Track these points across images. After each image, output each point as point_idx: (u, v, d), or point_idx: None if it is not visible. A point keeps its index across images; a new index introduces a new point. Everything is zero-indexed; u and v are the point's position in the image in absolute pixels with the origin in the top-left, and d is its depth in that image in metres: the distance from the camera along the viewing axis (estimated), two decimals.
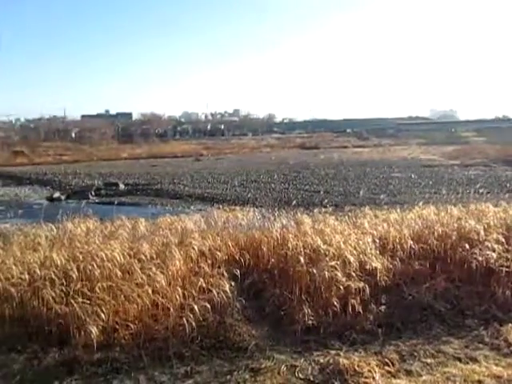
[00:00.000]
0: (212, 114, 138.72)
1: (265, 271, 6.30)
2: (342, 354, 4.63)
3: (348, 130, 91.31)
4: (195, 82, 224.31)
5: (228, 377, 4.32)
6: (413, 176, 27.57)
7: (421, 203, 9.34)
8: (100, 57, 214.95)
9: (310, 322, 5.12)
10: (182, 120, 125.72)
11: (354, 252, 6.02)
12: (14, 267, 5.54)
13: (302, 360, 4.59)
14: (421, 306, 5.74)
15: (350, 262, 5.78)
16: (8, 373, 4.47)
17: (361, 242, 6.35)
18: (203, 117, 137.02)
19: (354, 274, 5.65)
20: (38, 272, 5.40)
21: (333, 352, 4.70)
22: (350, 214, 8.65)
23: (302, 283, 5.62)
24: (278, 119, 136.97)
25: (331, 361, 4.49)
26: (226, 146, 69.61)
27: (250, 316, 5.42)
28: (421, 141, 63.61)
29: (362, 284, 5.55)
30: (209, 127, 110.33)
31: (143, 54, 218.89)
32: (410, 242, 6.65)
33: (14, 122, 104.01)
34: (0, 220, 20.66)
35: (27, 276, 5.37)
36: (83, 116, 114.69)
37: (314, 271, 5.54)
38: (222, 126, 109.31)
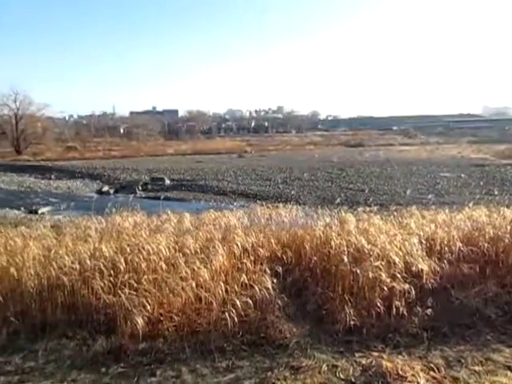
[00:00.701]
0: (256, 111, 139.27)
1: (307, 269, 6.27)
2: (384, 356, 4.54)
3: (394, 128, 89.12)
4: (240, 79, 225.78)
5: (268, 373, 4.33)
6: (462, 176, 26.55)
7: (471, 204, 8.98)
8: (149, 56, 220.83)
9: (353, 322, 5.04)
10: (227, 117, 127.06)
11: (400, 253, 5.87)
12: (66, 257, 5.80)
13: (344, 360, 4.53)
14: (469, 311, 5.52)
15: (394, 263, 5.64)
16: (59, 357, 4.69)
17: (406, 243, 6.18)
18: (247, 114, 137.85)
19: (398, 276, 5.51)
20: (88, 262, 5.63)
21: (375, 354, 4.61)
22: (395, 213, 8.44)
23: (345, 283, 5.54)
24: (322, 116, 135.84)
25: (373, 363, 4.40)
26: (270, 143, 69.69)
27: (291, 314, 5.41)
28: (472, 139, 61.14)
29: (407, 286, 5.40)
30: (252, 124, 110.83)
31: (190, 52, 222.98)
32: (459, 244, 6.41)
33: (67, 118, 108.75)
34: (54, 212, 21.73)
35: (78, 266, 5.61)
36: (131, 113, 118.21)
37: (358, 271, 5.44)
38: (266, 123, 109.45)
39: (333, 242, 6.14)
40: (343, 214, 8.07)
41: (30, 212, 23.50)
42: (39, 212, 23.24)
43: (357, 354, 4.64)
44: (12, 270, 5.63)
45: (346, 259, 5.68)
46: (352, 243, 6.10)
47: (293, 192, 22.25)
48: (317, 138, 78.54)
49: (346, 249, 5.92)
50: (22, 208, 24.65)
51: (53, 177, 38.65)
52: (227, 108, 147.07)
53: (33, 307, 5.33)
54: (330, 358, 4.57)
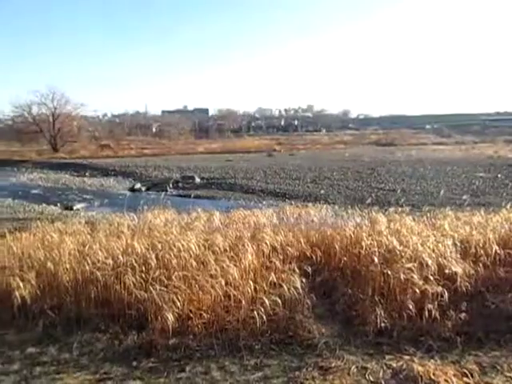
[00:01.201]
0: (286, 110, 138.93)
1: (336, 269, 6.22)
2: (416, 360, 4.44)
3: (427, 126, 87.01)
4: (270, 78, 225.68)
5: (297, 373, 4.32)
6: (499, 176, 25.68)
7: (508, 206, 8.69)
8: (180, 56, 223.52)
9: (383, 324, 4.96)
10: (257, 116, 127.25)
11: (433, 255, 5.75)
12: (99, 253, 5.95)
13: (374, 363, 4.46)
14: (506, 315, 5.34)
15: (427, 265, 5.52)
16: (93, 350, 4.82)
17: (440, 245, 6.04)
18: (277, 113, 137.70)
19: (431, 278, 5.38)
20: (121, 258, 5.76)
21: (406, 357, 4.52)
22: (428, 214, 8.26)
23: (376, 284, 5.46)
24: (353, 115, 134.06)
25: (404, 366, 4.32)
26: (299, 142, 69.35)
27: (320, 314, 5.38)
28: (509, 138, 59.00)
29: (440, 289, 5.28)
30: (282, 123, 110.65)
31: (220, 52, 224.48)
32: (496, 246, 6.21)
33: (101, 117, 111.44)
34: (88, 208, 22.30)
35: (111, 261, 5.74)
36: (163, 111, 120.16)
37: (389, 272, 5.36)
38: (296, 122, 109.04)
39: (363, 243, 6.07)
40: (374, 214, 7.96)
41: (66, 208, 24.23)
42: (74, 208, 23.93)
43: (387, 357, 4.57)
44: (49, 264, 5.82)
45: (376, 260, 5.60)
46: (383, 244, 6.01)
47: (322, 191, 22.08)
48: (347, 136, 77.61)
49: (376, 249, 5.84)
50: (58, 204, 25.44)
51: (87, 174, 39.69)
52: (257, 107, 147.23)
53: (68, 301, 5.49)
54: (360, 360, 4.52)
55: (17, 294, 5.30)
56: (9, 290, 5.51)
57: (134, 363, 4.52)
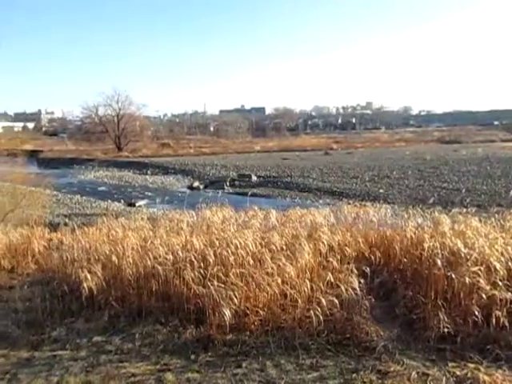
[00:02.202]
0: (343, 108, 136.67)
1: (396, 271, 6.03)
2: (482, 368, 4.21)
3: (496, 123, 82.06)
4: (326, 75, 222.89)
5: (354, 375, 4.24)
6: None
7: None
8: (238, 56, 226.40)
9: (446, 329, 4.74)
10: (313, 114, 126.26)
11: (501, 258, 5.41)
12: (160, 248, 6.15)
13: (436, 369, 4.28)
14: None
15: (495, 269, 5.20)
16: (153, 342, 5.00)
17: (509, 248, 5.67)
18: (334, 110, 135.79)
19: (500, 283, 5.07)
20: (181, 254, 5.93)
21: (471, 365, 4.30)
22: (496, 215, 7.78)
23: (438, 287, 5.23)
24: (415, 111, 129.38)
25: (469, 375, 4.11)
26: (357, 140, 68.01)
27: (378, 316, 5.24)
28: None
29: (509, 295, 4.96)
30: (339, 121, 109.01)
31: (278, 51, 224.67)
32: None
33: (162, 116, 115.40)
34: (149, 205, 23.15)
35: (171, 257, 5.92)
36: (221, 111, 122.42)
37: (453, 276, 5.11)
38: (354, 120, 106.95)
39: (425, 244, 5.83)
40: (436, 214, 7.63)
41: (129, 205, 25.40)
42: (136, 205, 25.03)
43: (450, 364, 4.37)
44: (114, 257, 6.11)
45: (439, 263, 5.36)
46: (446, 246, 5.75)
47: (381, 190, 21.54)
48: (408, 134, 75.12)
49: (439, 251, 5.59)
50: (122, 201, 26.70)
51: (149, 172, 41.33)
52: (313, 105, 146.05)
53: (131, 293, 5.74)
54: (421, 366, 4.35)
55: (85, 285, 5.60)
56: (78, 281, 5.84)
57: (193, 356, 4.64)
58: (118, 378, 4.28)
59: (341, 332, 4.89)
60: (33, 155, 53.29)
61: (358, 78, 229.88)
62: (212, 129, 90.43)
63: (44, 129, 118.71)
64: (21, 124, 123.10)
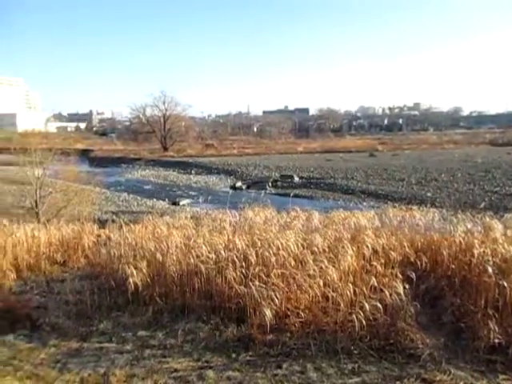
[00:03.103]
0: (390, 108, 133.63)
1: (443, 277, 5.83)
2: None
3: None
4: (372, 76, 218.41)
5: (397, 382, 4.12)
6: None
7: None
8: (282, 57, 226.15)
9: (497, 340, 4.53)
10: (358, 115, 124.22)
11: None
12: (203, 247, 6.24)
13: (485, 381, 4.10)
14: None
15: None
16: (195, 339, 5.07)
17: None
18: (380, 111, 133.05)
19: None
20: (223, 253, 5.99)
21: None
22: None
23: (489, 296, 5.00)
24: (465, 112, 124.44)
25: None
26: (404, 142, 66.33)
27: (424, 323, 5.08)
28: None
29: None
30: (386, 122, 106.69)
31: (321, 51, 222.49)
32: None
33: (206, 117, 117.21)
34: (193, 204, 23.56)
35: (214, 256, 6.00)
36: (264, 112, 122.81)
37: (505, 284, 4.88)
38: (401, 121, 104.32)
39: (475, 250, 5.60)
40: (488, 220, 7.31)
41: (173, 203, 25.99)
42: (180, 204, 25.57)
43: (501, 376, 4.17)
44: (158, 255, 6.26)
45: (490, 270, 5.12)
46: (498, 253, 5.50)
47: (428, 194, 20.90)
48: (458, 136, 72.45)
49: (490, 258, 5.36)
50: (167, 199, 27.34)
51: (193, 172, 42.11)
52: (359, 105, 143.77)
53: (174, 290, 5.85)
54: (469, 377, 4.18)
55: (131, 280, 5.77)
56: (124, 276, 6.03)
57: (233, 355, 4.67)
58: (161, 372, 4.38)
59: (384, 338, 4.78)
60: (84, 154, 55.51)
61: (405, 78, 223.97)
62: (255, 129, 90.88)
63: (95, 129, 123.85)
64: (73, 124, 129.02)
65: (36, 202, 17.76)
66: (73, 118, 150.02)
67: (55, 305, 6.10)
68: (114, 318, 5.65)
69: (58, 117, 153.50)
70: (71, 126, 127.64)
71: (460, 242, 6.10)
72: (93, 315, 5.71)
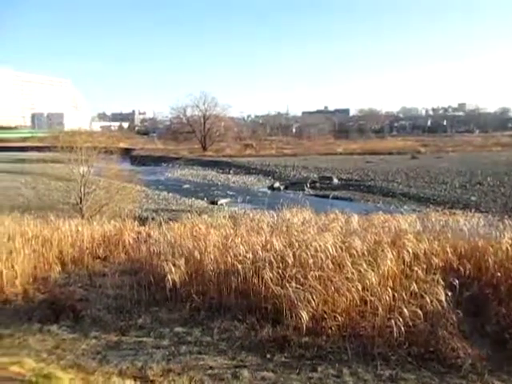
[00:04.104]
0: (433, 109, 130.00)
1: (488, 285, 5.60)
2: None
3: None
4: (415, 76, 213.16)
5: None
6: None
7: None
8: (321, 59, 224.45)
9: None
10: (400, 115, 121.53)
11: None
12: (241, 246, 6.28)
13: None
14: None
15: None
16: (230, 337, 5.10)
17: None
18: (423, 112, 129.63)
19: None
20: (260, 253, 6.00)
21: None
22: None
23: None
24: None
25: None
26: (448, 144, 64.30)
27: (466, 332, 4.89)
28: None
29: None
30: (429, 123, 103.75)
31: (360, 50, 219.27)
32: None
33: (245, 117, 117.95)
34: (231, 204, 23.74)
35: (251, 255, 6.01)
36: (303, 112, 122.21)
37: None
38: (445, 122, 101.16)
39: None
40: None
41: (212, 203, 26.29)
42: (219, 203, 25.82)
43: None
44: (196, 253, 6.34)
45: None
46: None
47: (473, 198, 20.16)
48: (505, 138, 69.45)
49: None
50: (205, 198, 27.69)
51: (231, 172, 42.45)
52: (401, 106, 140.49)
53: (211, 288, 5.91)
54: None
55: (169, 277, 5.87)
56: (163, 273, 6.14)
57: (268, 355, 4.66)
58: (196, 369, 4.43)
59: (424, 345, 4.64)
60: (126, 153, 57.04)
61: (450, 78, 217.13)
62: (294, 130, 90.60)
63: (137, 128, 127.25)
64: (117, 123, 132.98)
65: (80, 198, 18.41)
66: (116, 117, 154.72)
67: (97, 298, 6.29)
68: (152, 313, 5.77)
69: (102, 116, 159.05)
70: (114, 125, 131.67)
71: (507, 248, 5.85)
72: (132, 310, 5.85)
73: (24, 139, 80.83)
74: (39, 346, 5.01)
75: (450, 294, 5.04)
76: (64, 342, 5.11)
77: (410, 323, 4.72)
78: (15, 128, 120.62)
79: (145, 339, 5.11)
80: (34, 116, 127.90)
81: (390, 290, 5.04)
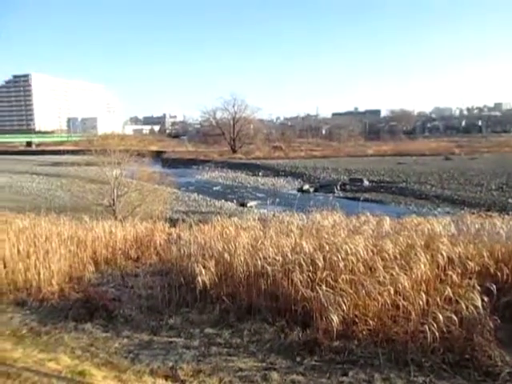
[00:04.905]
0: (468, 109, 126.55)
1: None
2: None
3: None
4: (449, 76, 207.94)
5: None
6: None
7: None
8: (353, 59, 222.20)
9: None
10: (433, 116, 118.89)
11: None
12: (270, 249, 6.26)
13: None
14: None
15: None
16: (260, 340, 5.10)
17: None
18: (457, 112, 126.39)
19: None
20: (290, 256, 5.97)
21: None
22: None
23: None
24: None
25: None
26: (483, 145, 62.45)
27: (504, 339, 4.72)
28: None
29: None
30: (463, 123, 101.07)
31: (398, 51, 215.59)
32: None
33: (274, 120, 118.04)
34: (260, 206, 23.76)
35: (280, 258, 5.99)
36: (333, 114, 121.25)
37: None
38: (480, 122, 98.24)
39: None
40: None
41: (241, 205, 26.41)
42: (248, 205, 25.91)
43: None
44: (226, 255, 6.37)
45: None
46: None
47: (510, 200, 19.45)
48: None
49: None
50: (235, 201, 27.83)
51: (260, 174, 42.50)
52: (433, 106, 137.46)
53: (241, 290, 5.92)
54: None
55: (199, 279, 5.92)
56: (193, 274, 6.20)
57: (298, 358, 4.63)
58: (226, 370, 4.45)
59: (459, 352, 4.50)
60: (157, 155, 58.04)
61: (485, 77, 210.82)
62: (324, 132, 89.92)
63: (167, 131, 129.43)
64: (148, 127, 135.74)
65: (113, 200, 18.86)
66: (148, 121, 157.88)
67: (129, 298, 6.42)
68: (183, 314, 5.83)
69: (135, 120, 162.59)
70: (146, 128, 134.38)
71: None
72: (163, 310, 5.93)
73: (60, 143, 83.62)
74: (74, 343, 5.15)
75: (486, 299, 4.86)
76: (97, 340, 5.23)
77: (445, 329, 4.58)
78: (52, 132, 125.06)
79: (175, 339, 5.17)
80: (69, 120, 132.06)
81: (423, 294, 4.92)
